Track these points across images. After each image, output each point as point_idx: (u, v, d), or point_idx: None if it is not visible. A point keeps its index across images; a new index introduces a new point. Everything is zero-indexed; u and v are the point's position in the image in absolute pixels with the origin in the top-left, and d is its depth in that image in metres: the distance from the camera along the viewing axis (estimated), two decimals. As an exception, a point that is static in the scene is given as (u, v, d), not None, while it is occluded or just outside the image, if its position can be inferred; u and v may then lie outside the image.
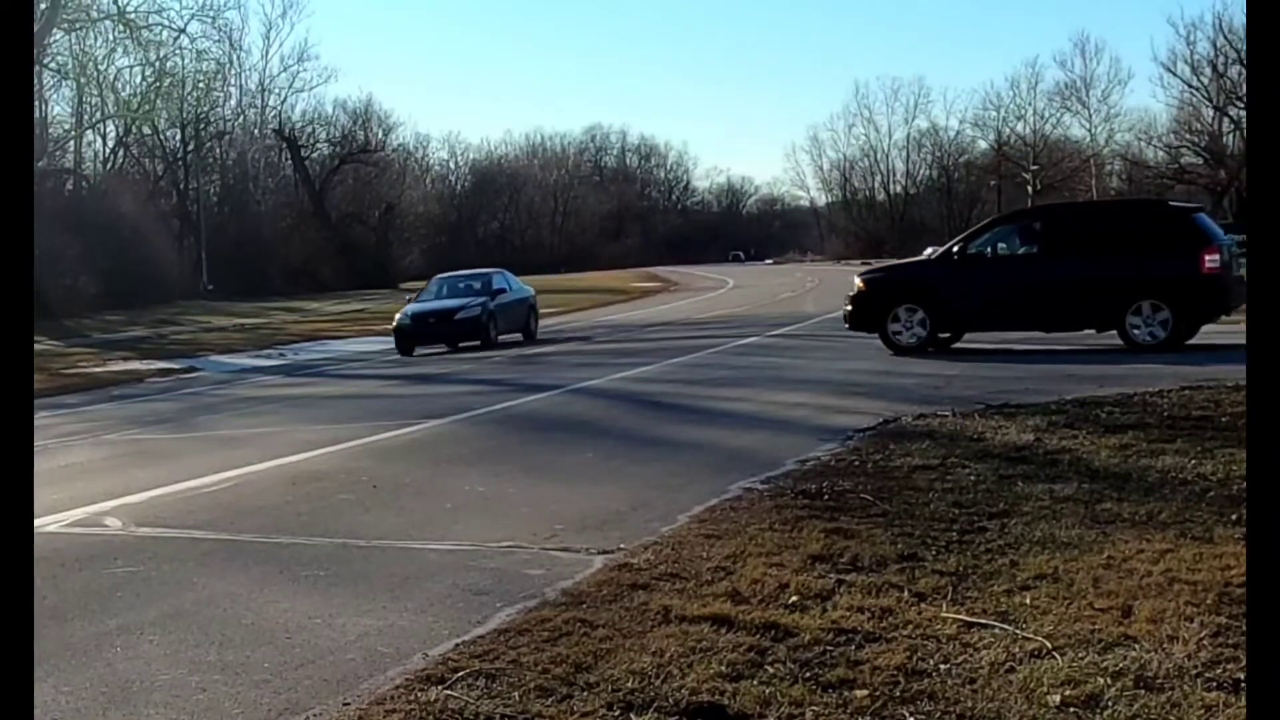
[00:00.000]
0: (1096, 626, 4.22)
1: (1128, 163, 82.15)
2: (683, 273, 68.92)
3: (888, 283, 16.08)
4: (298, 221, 62.06)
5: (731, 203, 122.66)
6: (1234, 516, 5.59)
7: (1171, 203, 18.89)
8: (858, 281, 16.20)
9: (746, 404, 11.25)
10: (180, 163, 57.21)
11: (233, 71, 59.50)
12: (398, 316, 22.13)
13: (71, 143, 48.39)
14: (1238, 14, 63.35)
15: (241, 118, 63.79)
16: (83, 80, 39.43)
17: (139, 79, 40.04)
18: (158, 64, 37.56)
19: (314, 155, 68.52)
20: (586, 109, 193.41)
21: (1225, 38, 66.16)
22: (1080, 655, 3.94)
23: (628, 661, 4.03)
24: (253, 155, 63.37)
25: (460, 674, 3.97)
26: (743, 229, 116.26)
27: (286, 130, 65.24)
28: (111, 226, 43.50)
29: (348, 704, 3.83)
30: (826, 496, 6.52)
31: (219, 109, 58.38)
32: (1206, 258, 14.80)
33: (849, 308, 16.20)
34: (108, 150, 54.27)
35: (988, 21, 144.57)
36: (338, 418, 11.69)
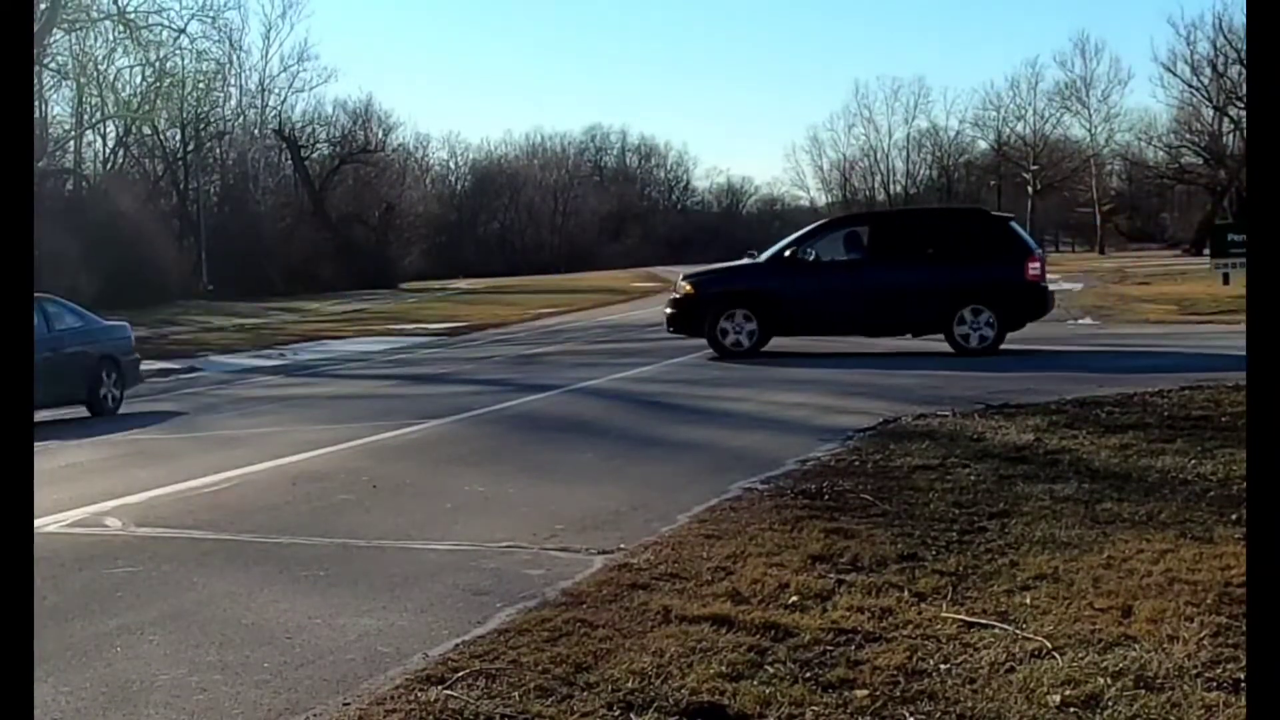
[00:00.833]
0: (1096, 626, 4.22)
1: (1128, 163, 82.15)
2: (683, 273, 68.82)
3: (717, 286, 15.96)
4: (298, 221, 61.99)
5: (731, 203, 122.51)
6: (1234, 516, 5.59)
7: (992, 211, 19.31)
8: (685, 284, 16.00)
9: (746, 404, 11.25)
10: (180, 163, 57.15)
11: (233, 71, 59.42)
12: None
13: (71, 143, 48.32)
14: (1238, 14, 63.33)
15: (241, 118, 63.73)
16: (83, 80, 39.41)
17: (139, 79, 40.04)
18: (158, 64, 37.54)
19: (314, 155, 68.42)
20: (586, 109, 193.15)
21: (1225, 38, 66.13)
22: (1080, 655, 3.94)
23: (628, 661, 4.03)
24: (253, 155, 63.31)
25: (460, 674, 3.97)
26: (743, 229, 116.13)
27: (286, 130, 65.15)
28: (111, 226, 43.44)
29: (348, 704, 3.83)
30: (827, 496, 6.52)
31: (219, 109, 58.30)
32: (1030, 265, 15.50)
33: (671, 310, 16.07)
34: (108, 150, 54.21)
35: (988, 21, 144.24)
36: (338, 418, 11.69)
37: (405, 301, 45.15)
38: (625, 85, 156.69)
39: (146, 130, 51.10)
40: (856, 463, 7.48)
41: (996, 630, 4.23)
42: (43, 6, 30.16)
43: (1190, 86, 70.26)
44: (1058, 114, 77.84)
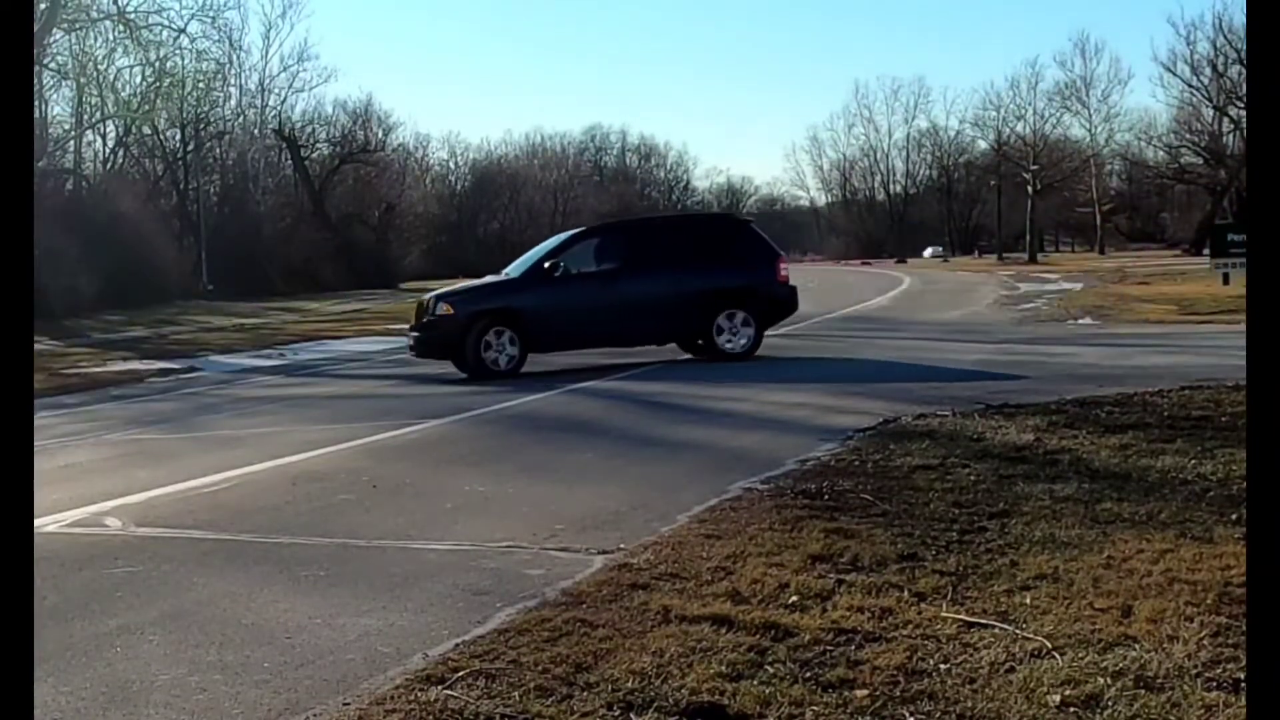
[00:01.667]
0: (1096, 626, 4.22)
1: (1128, 163, 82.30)
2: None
3: (475, 304, 14.95)
4: (298, 221, 62.03)
5: (731, 203, 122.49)
6: (1234, 516, 5.59)
7: (738, 216, 19.23)
8: (443, 305, 14.90)
9: (746, 404, 11.25)
10: (180, 163, 57.17)
11: (233, 71, 59.47)
12: None
13: (71, 143, 48.33)
14: (1238, 14, 63.42)
15: (241, 118, 63.78)
16: (83, 80, 39.39)
17: (139, 79, 40.00)
18: (158, 64, 37.50)
19: (314, 155, 68.48)
20: (586, 109, 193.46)
21: (1225, 38, 66.24)
22: (1080, 655, 3.94)
23: (628, 661, 4.03)
24: (253, 155, 63.33)
25: (460, 674, 3.97)
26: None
27: (286, 130, 65.20)
28: (111, 226, 43.47)
29: (348, 704, 3.83)
30: (826, 496, 6.52)
31: (219, 109, 58.33)
32: (780, 267, 15.61)
33: (421, 334, 14.94)
34: (108, 150, 54.25)
35: (988, 21, 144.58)
36: (338, 418, 11.69)
37: (405, 301, 45.02)
38: (625, 85, 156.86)
39: (146, 130, 51.15)
40: (856, 463, 7.48)
41: (996, 630, 4.23)
42: (43, 6, 30.15)
43: (1190, 86, 70.40)
44: (1058, 114, 77.95)
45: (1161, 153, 77.46)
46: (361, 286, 56.02)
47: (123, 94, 40.00)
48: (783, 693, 3.72)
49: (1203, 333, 18.27)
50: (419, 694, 3.83)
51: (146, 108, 38.61)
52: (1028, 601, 4.54)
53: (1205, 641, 4.00)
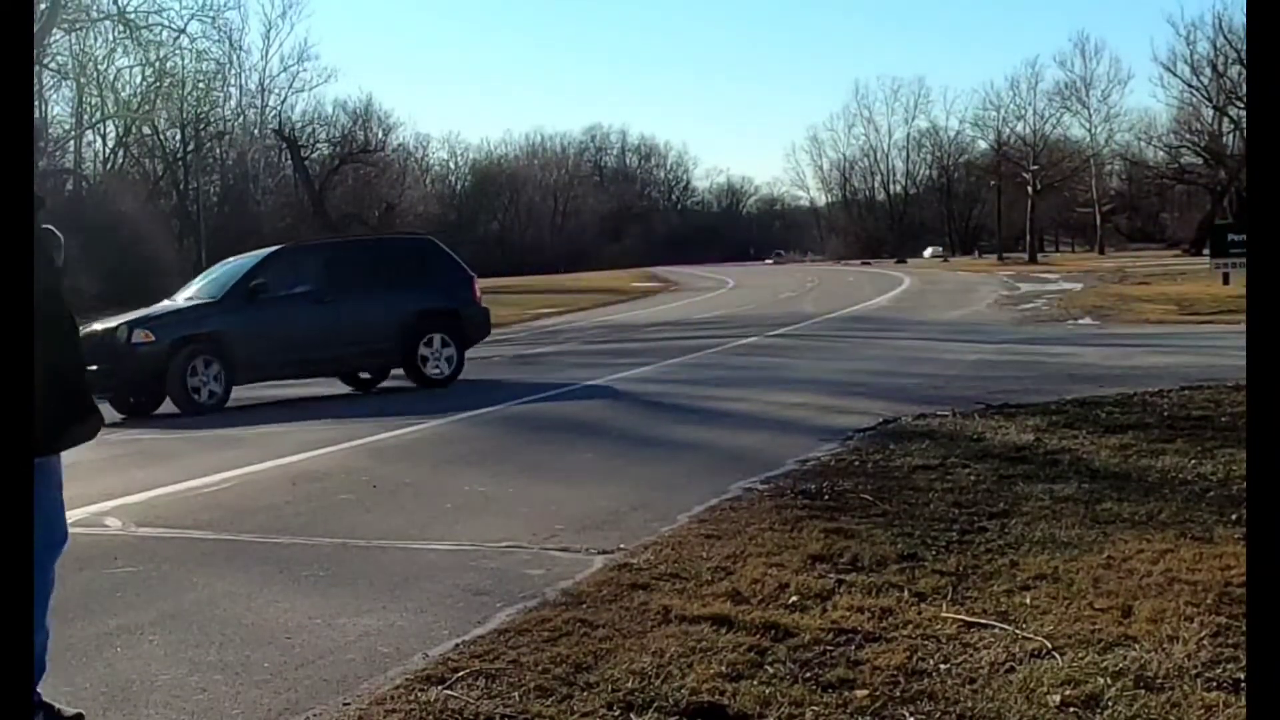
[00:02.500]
0: (1096, 626, 4.22)
1: (1128, 163, 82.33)
2: (683, 273, 68.93)
3: (181, 329, 13.23)
4: (298, 221, 61.99)
5: (731, 203, 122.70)
6: (1234, 516, 5.59)
7: (426, 236, 18.60)
8: (139, 332, 12.99)
9: (746, 404, 11.25)
10: (180, 163, 57.19)
11: (233, 71, 59.55)
12: None
13: (71, 143, 48.39)
14: (1238, 14, 63.45)
15: (241, 118, 63.82)
16: (83, 80, 39.48)
17: (139, 79, 40.11)
18: (158, 64, 37.59)
19: (314, 155, 68.49)
20: (586, 109, 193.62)
21: (1225, 38, 66.31)
22: (1080, 655, 3.94)
23: (628, 661, 4.03)
24: (253, 155, 63.35)
25: (460, 674, 3.97)
26: (743, 229, 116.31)
27: (286, 130, 65.21)
28: (111, 226, 43.48)
29: (348, 704, 3.83)
30: (826, 496, 6.52)
31: (219, 109, 58.41)
32: (476, 289, 15.22)
33: (109, 369, 12.25)
34: (108, 150, 54.31)
35: (988, 21, 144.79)
36: (338, 418, 11.69)
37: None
38: (625, 85, 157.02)
39: (146, 130, 51.18)
40: (856, 463, 7.48)
41: (996, 630, 4.23)
42: (43, 6, 30.18)
43: (1190, 86, 70.47)
44: (1058, 114, 78.09)
45: (1161, 153, 77.57)
46: (361, 286, 55.95)
47: (123, 94, 40.11)
48: (783, 693, 3.72)
49: (1203, 333, 18.27)
50: (419, 694, 3.83)
51: (146, 108, 38.67)
52: (1028, 601, 4.54)
53: (1205, 641, 3.99)
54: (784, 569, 5.08)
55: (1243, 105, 57.47)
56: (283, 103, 66.01)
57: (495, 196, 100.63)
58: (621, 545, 5.72)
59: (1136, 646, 4.00)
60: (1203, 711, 3.47)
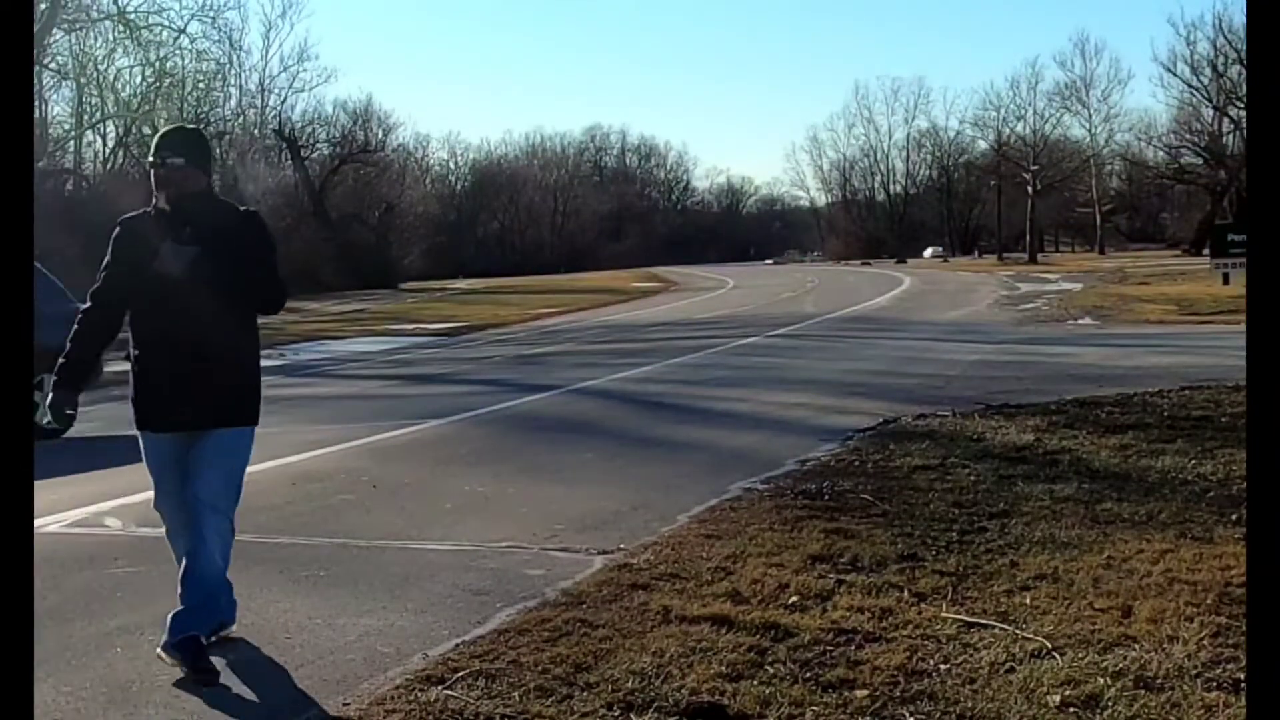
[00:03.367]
0: (1096, 626, 4.22)
1: (1128, 163, 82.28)
2: (683, 273, 68.92)
3: None
4: (298, 221, 61.94)
5: (731, 203, 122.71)
6: (1234, 516, 5.60)
7: None
8: None
9: (746, 404, 11.25)
10: (180, 163, 57.08)
11: (233, 71, 59.45)
12: None
13: (71, 143, 48.36)
14: (1238, 14, 63.43)
15: (241, 118, 63.76)
16: (83, 80, 39.47)
17: (139, 79, 40.10)
18: (158, 64, 37.60)
19: (314, 155, 68.47)
20: (586, 109, 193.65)
21: (1225, 38, 66.24)
22: (1080, 655, 3.94)
23: (628, 661, 4.03)
24: (253, 155, 63.33)
25: (460, 674, 3.97)
26: (743, 229, 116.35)
27: (286, 130, 65.18)
28: (112, 226, 43.44)
29: (348, 704, 3.83)
30: (826, 496, 6.52)
31: (219, 109, 58.34)
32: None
33: None
34: (108, 150, 54.22)
35: (988, 21, 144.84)
36: (338, 418, 11.69)
37: (405, 302, 45.17)
38: (625, 85, 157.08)
39: (146, 130, 51.08)
40: (856, 463, 7.48)
41: (996, 630, 4.23)
42: (43, 6, 30.18)
43: (1190, 86, 70.40)
44: (1058, 114, 78.05)
45: (1161, 153, 77.52)
46: (362, 287, 55.99)
47: (123, 94, 40.11)
48: (783, 693, 3.72)
49: (1203, 333, 18.28)
50: (419, 694, 3.83)
51: (146, 108, 38.66)
52: (1028, 601, 4.54)
53: (1205, 641, 4.00)
54: (784, 569, 5.08)
55: (1243, 105, 57.46)
56: (283, 103, 66.00)
57: (495, 196, 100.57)
58: (621, 545, 5.72)
59: (1136, 646, 4.00)
60: (1203, 711, 3.47)
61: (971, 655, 4.01)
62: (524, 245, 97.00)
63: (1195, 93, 70.46)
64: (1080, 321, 22.87)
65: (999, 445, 7.90)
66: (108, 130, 51.62)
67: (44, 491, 7.02)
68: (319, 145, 69.77)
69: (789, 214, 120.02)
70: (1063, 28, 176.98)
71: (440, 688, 3.86)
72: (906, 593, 4.71)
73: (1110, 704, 3.55)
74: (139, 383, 4.37)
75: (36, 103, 39.58)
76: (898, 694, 3.70)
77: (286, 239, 58.57)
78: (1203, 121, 70.98)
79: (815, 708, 3.62)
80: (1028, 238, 73.53)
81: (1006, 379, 12.18)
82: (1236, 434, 7.56)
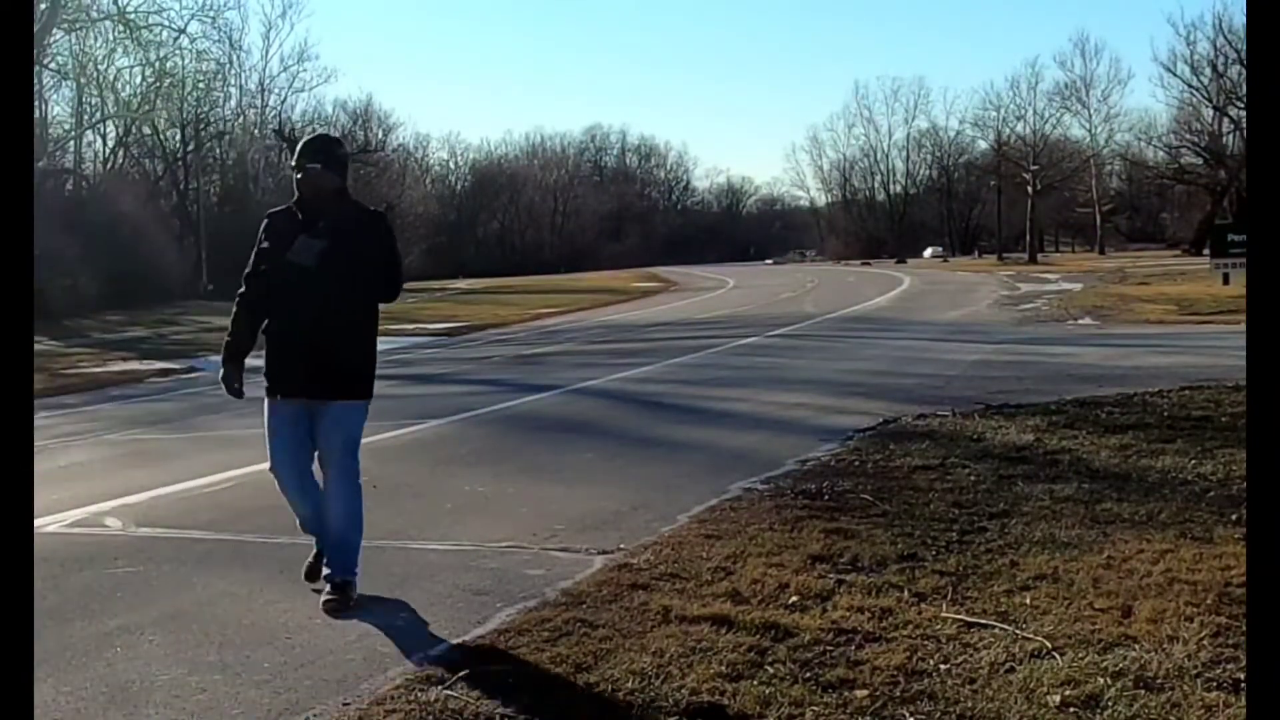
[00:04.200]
0: (1096, 626, 4.22)
1: (1128, 163, 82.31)
2: (683, 273, 68.93)
3: None
4: (298, 221, 61.91)
5: (731, 203, 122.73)
6: (1234, 516, 5.60)
7: None
8: None
9: (746, 404, 11.25)
10: (180, 163, 57.13)
11: (233, 71, 59.46)
12: None
13: (71, 143, 48.33)
14: (1238, 14, 63.43)
15: (241, 118, 63.74)
16: (83, 80, 39.45)
17: (139, 79, 40.06)
18: (158, 64, 37.57)
19: (314, 155, 68.38)
20: (586, 109, 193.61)
21: (1225, 38, 66.24)
22: (1080, 655, 3.94)
23: (628, 661, 4.03)
24: (253, 155, 63.29)
25: (460, 674, 3.97)
26: (743, 229, 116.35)
27: (286, 130, 65.13)
28: (111, 226, 43.45)
29: (348, 704, 3.83)
30: (826, 496, 6.52)
31: (219, 109, 58.35)
32: None
33: None
34: (108, 150, 54.21)
35: (988, 21, 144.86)
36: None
37: (405, 301, 45.11)
38: (625, 85, 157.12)
39: (146, 130, 51.12)
40: (856, 463, 7.48)
41: (996, 630, 4.23)
42: (43, 6, 30.18)
43: (1190, 86, 70.39)
44: (1058, 114, 78.03)
45: (1161, 153, 77.52)
46: (361, 286, 55.90)
47: (123, 94, 40.09)
48: (783, 693, 3.72)
49: (1203, 333, 18.27)
50: (419, 694, 3.83)
51: (146, 108, 38.64)
52: (1028, 601, 4.54)
53: (1205, 641, 3.99)
54: (784, 569, 5.08)
55: (1243, 105, 57.47)
56: (283, 103, 65.99)
57: (495, 196, 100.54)
58: (621, 545, 5.72)
59: (1136, 646, 4.00)
60: (1203, 711, 3.47)
61: (971, 655, 4.01)
62: (524, 245, 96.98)
63: (1195, 93, 70.49)
64: (1080, 321, 22.87)
65: (999, 445, 7.90)
66: (108, 130, 51.65)
67: (44, 491, 7.03)
68: (319, 145, 69.70)
69: (789, 214, 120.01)
70: (1063, 28, 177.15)
71: (440, 688, 3.86)
72: (906, 593, 4.71)
73: (1110, 704, 3.55)
74: (270, 355, 5.02)
75: (36, 103, 39.59)
76: (898, 694, 3.70)
77: (286, 239, 58.57)
78: (1203, 121, 70.97)
79: (815, 708, 3.62)
80: (1028, 238, 73.53)
81: (1006, 379, 12.18)
82: (1236, 434, 7.56)
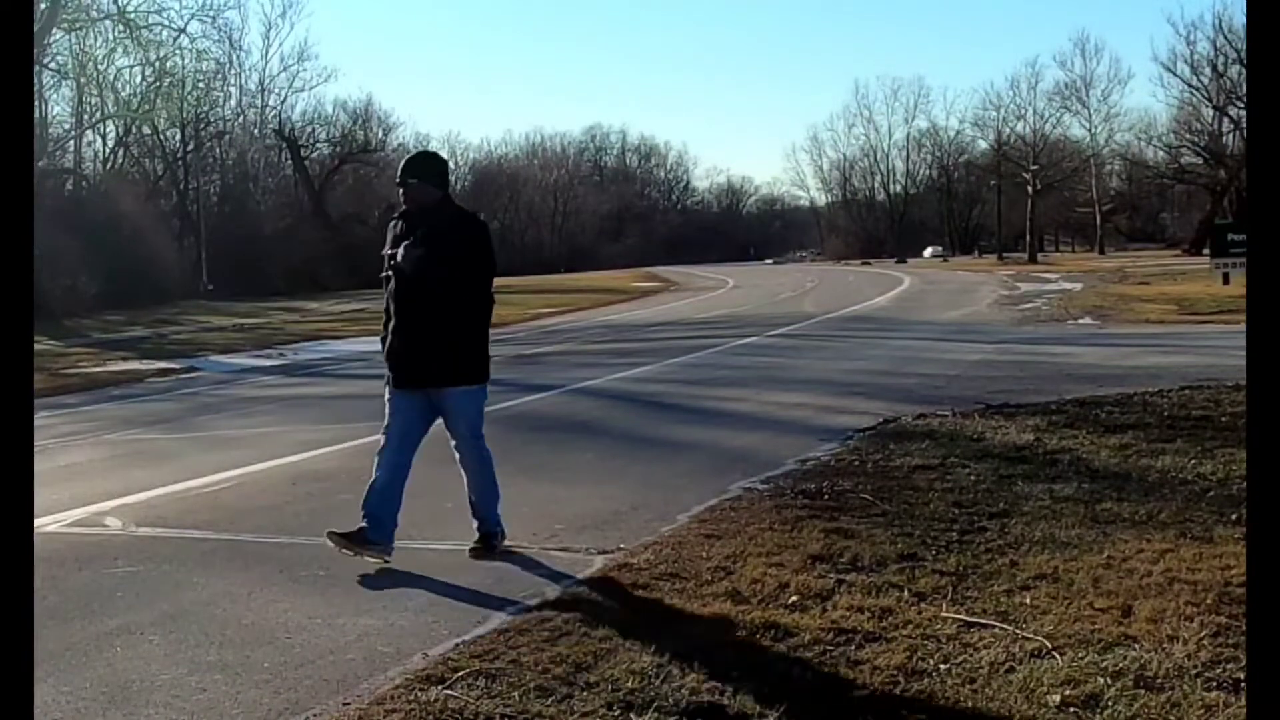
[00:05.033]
0: (1096, 626, 4.22)
1: (1128, 163, 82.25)
2: (683, 273, 68.93)
3: None
4: (298, 221, 61.99)
5: (731, 203, 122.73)
6: (1234, 516, 5.60)
7: None
8: None
9: (746, 404, 11.25)
10: (180, 163, 57.14)
11: (233, 71, 59.52)
12: None
13: (71, 143, 48.31)
14: (1238, 14, 63.42)
15: (241, 118, 63.76)
16: (83, 80, 39.39)
17: (139, 79, 39.98)
18: (158, 64, 37.49)
19: (314, 155, 68.49)
20: (586, 109, 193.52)
21: (1225, 38, 66.22)
22: (1080, 655, 3.94)
23: (628, 661, 4.03)
24: (253, 155, 63.32)
25: (460, 674, 3.97)
26: (743, 229, 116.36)
27: (286, 130, 65.21)
28: (111, 226, 43.47)
29: (348, 704, 3.83)
30: (826, 496, 6.52)
31: (219, 109, 58.33)
32: None
33: None
34: (108, 150, 54.21)
35: (988, 21, 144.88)
36: (338, 418, 11.68)
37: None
38: (625, 85, 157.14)
39: (146, 130, 51.10)
40: (856, 463, 7.48)
41: (996, 630, 4.23)
42: (43, 6, 30.16)
43: (1190, 86, 70.37)
44: (1058, 114, 77.99)
45: (1161, 153, 77.48)
46: (362, 286, 55.87)
47: (123, 94, 40.02)
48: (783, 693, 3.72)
49: (1203, 333, 18.27)
50: (419, 694, 3.83)
51: (146, 108, 38.58)
52: (1028, 601, 4.54)
53: (1205, 641, 3.99)
54: (784, 569, 5.08)
55: (1243, 105, 57.45)
56: (283, 103, 66.03)
57: (495, 196, 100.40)
58: (621, 545, 5.72)
59: (1136, 646, 4.00)
60: (1203, 711, 3.47)
61: (971, 655, 4.01)
62: (524, 245, 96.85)
63: (1195, 93, 70.47)
64: (1080, 321, 22.87)
65: (999, 445, 7.90)
66: (108, 130, 51.64)
67: (44, 491, 7.03)
68: (319, 145, 69.81)
69: (789, 214, 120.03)
70: (1063, 28, 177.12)
71: (440, 687, 3.86)
72: (906, 592, 4.71)
73: (1110, 704, 3.55)
74: (388, 350, 5.71)
75: (36, 103, 39.59)
76: (898, 694, 3.70)
77: (286, 239, 58.66)
78: (1203, 121, 70.96)
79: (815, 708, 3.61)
80: (1028, 237, 73.52)
81: (1006, 379, 12.18)
82: (1236, 434, 7.56)
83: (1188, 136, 71.89)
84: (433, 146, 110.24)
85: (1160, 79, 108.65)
